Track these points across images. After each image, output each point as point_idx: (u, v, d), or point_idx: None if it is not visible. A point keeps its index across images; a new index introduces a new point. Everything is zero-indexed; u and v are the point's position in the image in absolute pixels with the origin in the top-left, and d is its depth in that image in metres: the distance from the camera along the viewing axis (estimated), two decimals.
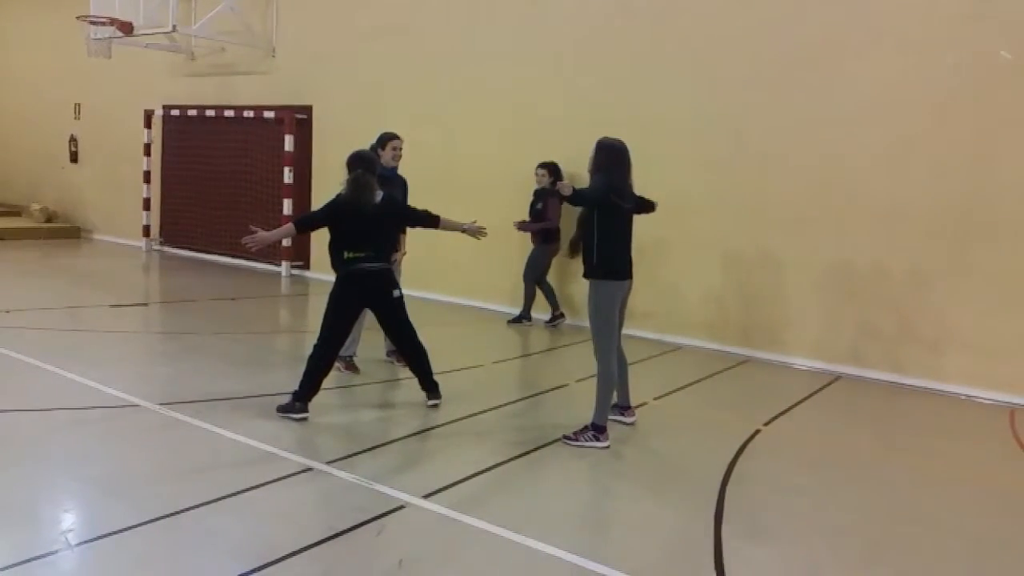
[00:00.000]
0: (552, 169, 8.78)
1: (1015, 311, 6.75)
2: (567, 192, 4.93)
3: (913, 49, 7.11)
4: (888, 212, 7.25)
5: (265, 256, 11.83)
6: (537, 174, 8.82)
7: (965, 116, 6.93)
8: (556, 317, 9.05)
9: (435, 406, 5.76)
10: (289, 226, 5.76)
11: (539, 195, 8.82)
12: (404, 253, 6.85)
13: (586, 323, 5.44)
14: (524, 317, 9.08)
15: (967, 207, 6.92)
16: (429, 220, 5.77)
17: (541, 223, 8.79)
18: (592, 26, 8.95)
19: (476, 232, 5.77)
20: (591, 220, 5.16)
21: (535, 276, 8.97)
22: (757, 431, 5.66)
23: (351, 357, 6.59)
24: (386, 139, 6.55)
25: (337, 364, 6.13)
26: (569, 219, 8.62)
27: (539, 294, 9.04)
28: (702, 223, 8.23)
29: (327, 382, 5.51)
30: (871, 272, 7.38)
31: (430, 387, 5.81)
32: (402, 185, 6.66)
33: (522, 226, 8.82)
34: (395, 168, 6.58)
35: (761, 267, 7.96)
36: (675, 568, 3.67)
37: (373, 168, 5.57)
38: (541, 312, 9.08)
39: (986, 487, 4.92)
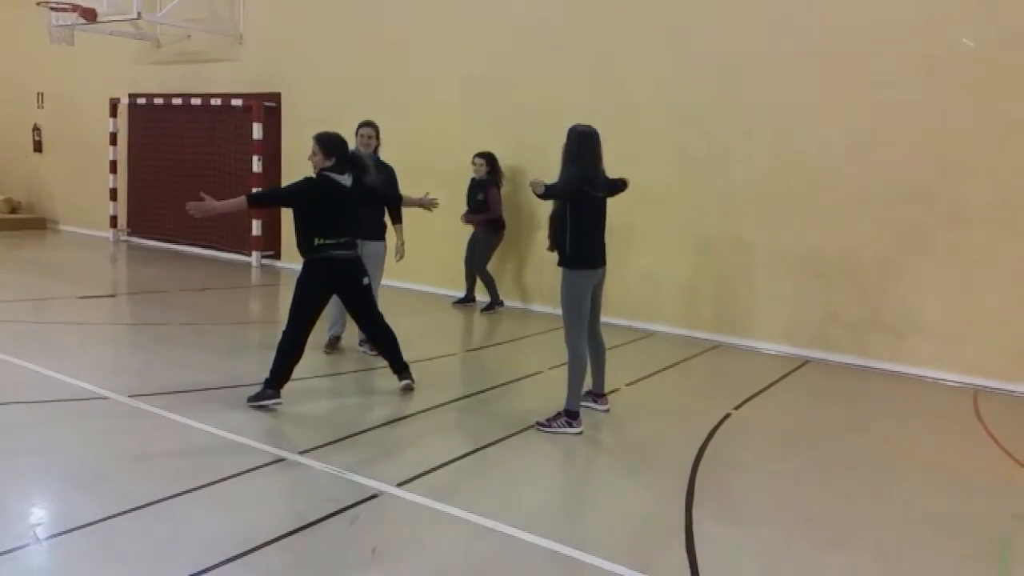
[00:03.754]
0: (489, 159, 8.81)
1: (978, 296, 6.88)
2: (540, 191, 4.94)
3: (879, 38, 7.18)
4: (855, 199, 7.34)
5: (235, 246, 11.74)
6: (475, 164, 8.85)
7: (930, 105, 7.02)
8: (467, 300, 9.24)
9: (408, 387, 5.77)
10: (241, 199, 5.30)
11: (478, 185, 8.86)
12: (402, 254, 6.90)
13: (557, 310, 5.45)
14: (496, 303, 9.10)
15: (932, 194, 7.02)
16: (396, 201, 6.22)
17: (484, 214, 8.82)
18: (560, 16, 8.93)
19: (429, 204, 6.07)
20: (564, 210, 5.17)
21: (484, 263, 9.03)
22: (727, 415, 5.72)
23: (338, 338, 6.82)
24: (357, 127, 6.82)
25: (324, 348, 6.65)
26: (509, 208, 8.75)
27: (476, 278, 9.15)
28: (673, 211, 8.28)
29: (298, 372, 5.48)
30: (839, 258, 7.47)
31: (400, 369, 5.81)
32: (388, 172, 6.77)
33: (468, 218, 8.85)
34: (373, 155, 6.66)
35: (731, 254, 8.03)
36: (647, 551, 3.71)
37: (346, 149, 5.56)
38: (507, 297, 9.08)
39: (950, 467, 5.02)
